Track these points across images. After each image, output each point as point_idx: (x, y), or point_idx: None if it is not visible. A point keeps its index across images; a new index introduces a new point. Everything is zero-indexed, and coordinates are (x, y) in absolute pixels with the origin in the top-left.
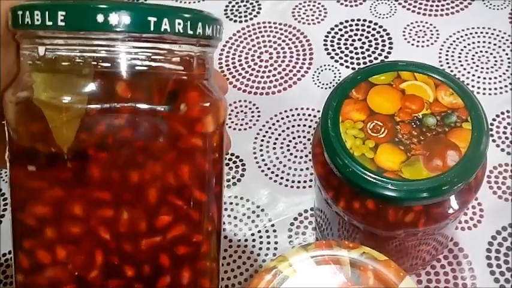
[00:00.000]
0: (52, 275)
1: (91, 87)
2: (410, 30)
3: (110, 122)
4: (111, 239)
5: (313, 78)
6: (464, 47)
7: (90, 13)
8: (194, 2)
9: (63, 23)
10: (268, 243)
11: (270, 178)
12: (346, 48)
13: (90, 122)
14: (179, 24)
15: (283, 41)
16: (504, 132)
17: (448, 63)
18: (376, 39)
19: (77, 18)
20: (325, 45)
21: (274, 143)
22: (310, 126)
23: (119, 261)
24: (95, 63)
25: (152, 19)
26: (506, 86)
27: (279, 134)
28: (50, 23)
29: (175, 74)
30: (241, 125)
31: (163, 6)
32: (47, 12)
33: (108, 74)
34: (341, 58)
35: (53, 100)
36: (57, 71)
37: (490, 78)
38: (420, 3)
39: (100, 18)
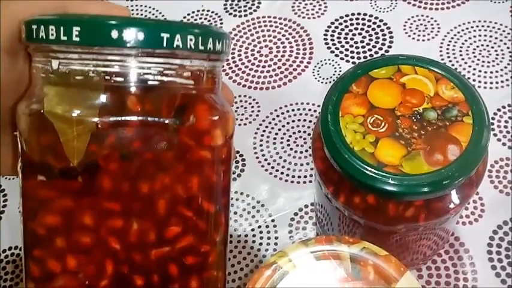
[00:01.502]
0: (62, 284)
1: (102, 100)
2: (411, 24)
3: (121, 135)
4: (121, 249)
5: (313, 72)
6: (465, 40)
7: (104, 29)
8: None
9: (77, 38)
10: (269, 238)
11: (270, 173)
12: (347, 43)
13: (101, 135)
14: (191, 40)
15: (283, 35)
16: (505, 127)
17: (449, 57)
18: (376, 33)
19: (91, 34)
20: (325, 39)
21: (275, 138)
22: (310, 121)
23: (128, 271)
24: (108, 77)
25: (165, 35)
26: (507, 80)
27: (279, 129)
28: (65, 38)
29: (185, 89)
30: (241, 120)
31: (175, 23)
32: (62, 28)
33: (120, 88)
34: (341, 52)
35: (65, 113)
36: (70, 84)
37: (491, 72)
38: None
39: (114, 34)
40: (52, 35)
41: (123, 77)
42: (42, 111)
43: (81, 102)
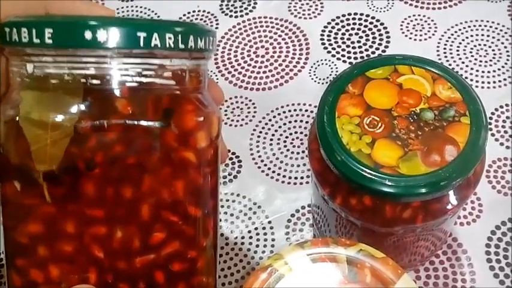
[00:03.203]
0: None
1: (81, 104)
2: (408, 24)
3: (101, 139)
4: (104, 257)
5: (309, 73)
6: (463, 40)
7: (77, 30)
8: None
9: (50, 41)
10: (265, 240)
11: (267, 174)
12: (343, 43)
13: (80, 140)
14: (170, 38)
15: (280, 36)
16: (503, 126)
17: (446, 57)
18: (373, 33)
19: (64, 36)
20: (321, 39)
21: (271, 139)
22: (307, 122)
23: (113, 279)
24: (85, 80)
25: (142, 34)
26: (505, 79)
27: (276, 130)
28: (37, 41)
29: (167, 89)
30: (238, 121)
31: (153, 21)
32: (34, 30)
33: (99, 91)
34: (338, 53)
35: (42, 118)
36: (46, 89)
37: (488, 72)
38: None
39: (88, 35)
40: (25, 37)
41: (100, 79)
42: (17, 118)
43: (58, 106)
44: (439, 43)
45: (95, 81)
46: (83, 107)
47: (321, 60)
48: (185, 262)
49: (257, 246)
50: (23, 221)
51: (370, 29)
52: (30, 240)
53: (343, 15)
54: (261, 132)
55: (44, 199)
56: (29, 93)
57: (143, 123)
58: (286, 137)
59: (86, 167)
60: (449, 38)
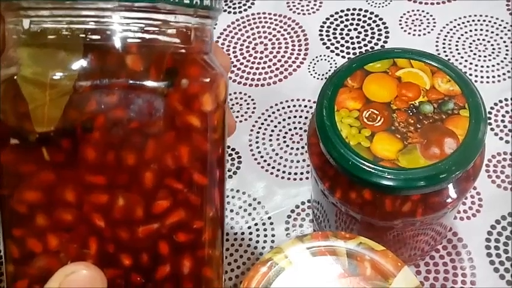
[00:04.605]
0: (44, 264)
1: (81, 61)
2: (407, 19)
3: (101, 100)
4: (106, 226)
5: (309, 68)
6: (462, 35)
7: None
8: None
9: None
10: (265, 236)
11: (267, 170)
12: (342, 38)
13: (79, 100)
14: None
15: (278, 31)
16: (503, 121)
17: (445, 51)
18: (372, 28)
19: None
20: (320, 35)
21: (270, 135)
22: (306, 118)
23: (114, 250)
24: (84, 35)
25: None
26: (504, 74)
27: (275, 126)
28: None
29: (172, 47)
30: (237, 117)
31: None
32: None
33: (100, 48)
34: (337, 48)
35: (38, 76)
36: (44, 45)
37: (488, 67)
38: None
39: None
40: None
41: (100, 35)
42: (14, 76)
43: (56, 64)
44: (438, 38)
45: (94, 37)
46: (83, 63)
47: (320, 55)
48: (190, 233)
49: (257, 242)
50: (20, 189)
51: (369, 24)
52: (28, 209)
53: (342, 11)
54: (260, 128)
55: (41, 165)
56: (25, 50)
57: (147, 82)
58: (286, 133)
59: (83, 128)
60: (448, 32)
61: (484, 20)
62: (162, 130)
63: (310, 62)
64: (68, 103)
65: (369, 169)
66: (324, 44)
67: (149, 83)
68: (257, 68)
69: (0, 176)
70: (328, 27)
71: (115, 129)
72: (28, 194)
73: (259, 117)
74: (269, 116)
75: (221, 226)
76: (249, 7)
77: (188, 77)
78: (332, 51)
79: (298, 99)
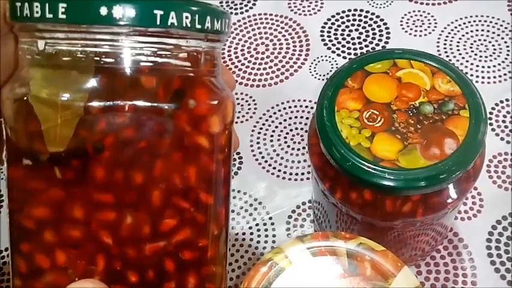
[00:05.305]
0: (51, 280)
1: (92, 83)
2: (408, 19)
3: (112, 121)
4: (113, 243)
5: (310, 69)
6: (463, 35)
7: (92, 5)
8: None
9: (64, 16)
10: (266, 236)
11: (268, 171)
12: (343, 39)
13: (90, 121)
14: (187, 18)
15: (280, 32)
16: (503, 121)
17: (446, 52)
18: (373, 29)
19: (78, 11)
20: (321, 36)
21: (271, 136)
22: (307, 118)
23: (121, 267)
24: (98, 58)
25: (158, 12)
26: (505, 74)
27: (276, 127)
28: (50, 16)
29: (181, 71)
30: (238, 117)
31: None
32: (47, 4)
33: (111, 70)
34: (338, 49)
35: (52, 97)
36: (57, 66)
37: (488, 67)
38: None
39: (103, 11)
40: (37, 12)
41: (114, 58)
42: (27, 96)
43: (69, 85)
44: (439, 39)
45: (108, 60)
46: (94, 84)
47: (321, 56)
48: (196, 251)
49: (258, 242)
50: (29, 205)
51: (370, 25)
52: (36, 224)
53: (343, 12)
54: (261, 128)
55: (50, 182)
56: (39, 70)
57: (155, 104)
58: (287, 133)
59: (94, 149)
60: (449, 33)
61: (485, 21)
62: (170, 150)
63: (311, 63)
64: (78, 123)
65: (369, 169)
66: (325, 44)
67: (157, 104)
68: (258, 69)
69: (9, 191)
70: (329, 27)
71: (124, 149)
72: (36, 210)
73: (260, 118)
74: (270, 116)
75: (225, 243)
76: (250, 8)
77: (196, 99)
78: (333, 52)
79: (299, 100)
